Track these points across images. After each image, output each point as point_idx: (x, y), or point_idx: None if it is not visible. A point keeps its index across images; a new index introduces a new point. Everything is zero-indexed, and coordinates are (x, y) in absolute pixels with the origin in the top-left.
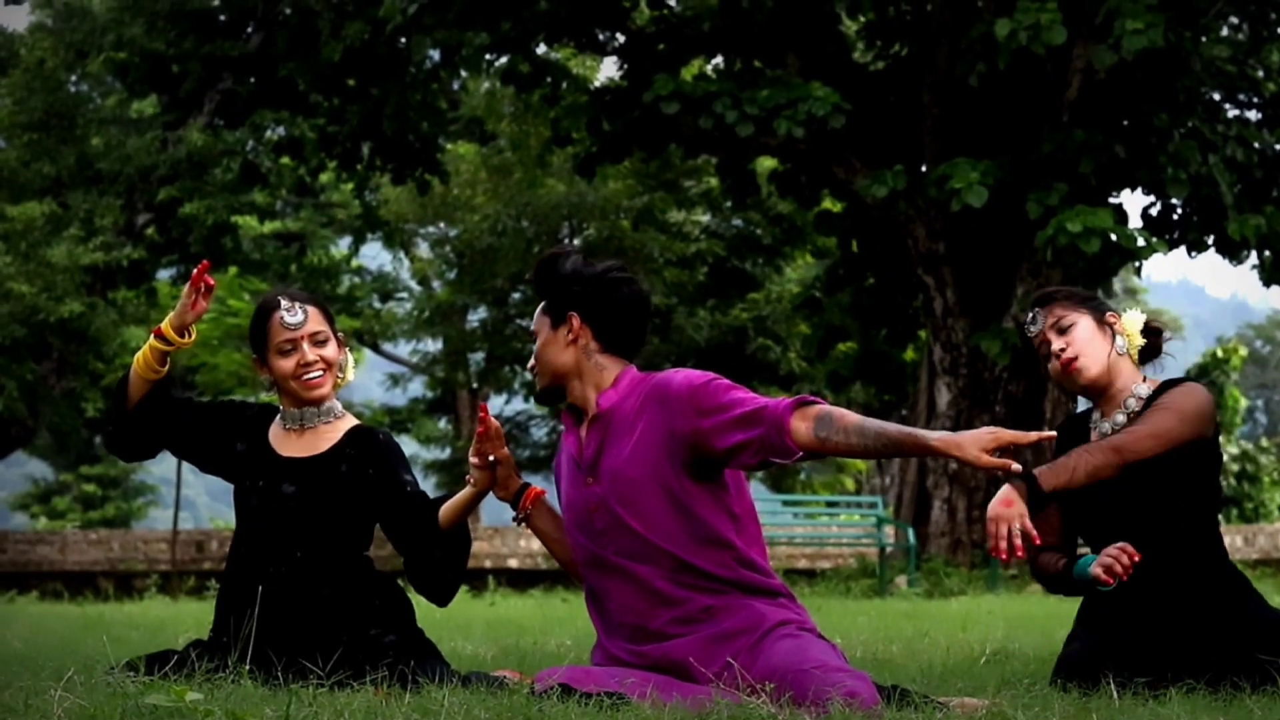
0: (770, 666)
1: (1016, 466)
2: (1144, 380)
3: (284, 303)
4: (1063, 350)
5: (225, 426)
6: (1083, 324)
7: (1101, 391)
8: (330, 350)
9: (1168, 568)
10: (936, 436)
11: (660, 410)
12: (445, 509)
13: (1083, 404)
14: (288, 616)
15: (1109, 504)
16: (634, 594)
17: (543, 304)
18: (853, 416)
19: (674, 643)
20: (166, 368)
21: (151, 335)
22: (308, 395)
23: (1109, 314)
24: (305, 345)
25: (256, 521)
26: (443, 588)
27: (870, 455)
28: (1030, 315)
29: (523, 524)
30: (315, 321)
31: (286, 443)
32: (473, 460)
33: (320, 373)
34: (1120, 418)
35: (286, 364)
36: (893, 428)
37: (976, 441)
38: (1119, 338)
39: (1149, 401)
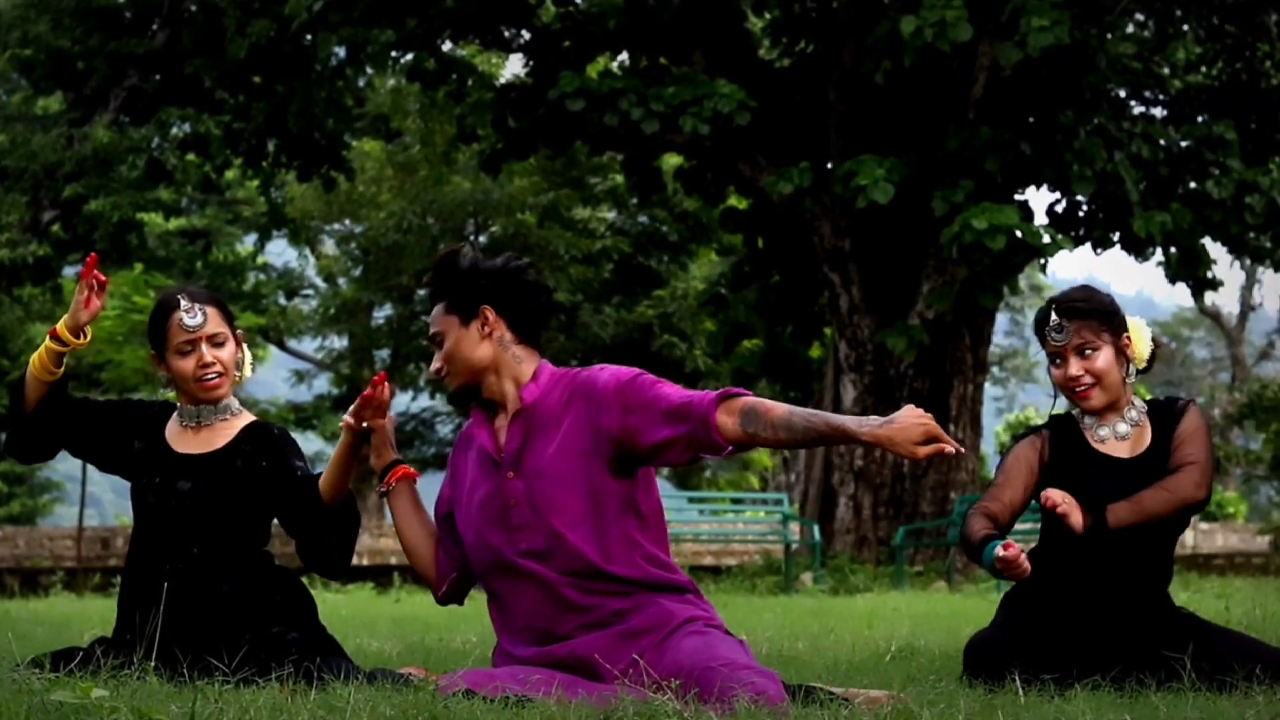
0: (677, 663)
1: (951, 449)
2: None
3: (184, 303)
4: (1079, 376)
5: (123, 425)
6: (1104, 354)
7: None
8: (227, 352)
9: (1126, 579)
10: (866, 430)
11: (587, 406)
12: (324, 475)
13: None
14: (190, 614)
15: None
16: (541, 599)
17: (444, 304)
18: (779, 409)
19: (580, 640)
20: (63, 369)
21: (47, 336)
22: (205, 396)
23: (1125, 336)
24: (204, 347)
25: (154, 519)
26: (332, 562)
27: (797, 447)
28: (1057, 323)
29: (384, 498)
30: (214, 323)
31: (183, 440)
32: (346, 420)
33: (217, 375)
34: (1123, 427)
35: (185, 365)
36: (819, 419)
37: (908, 435)
38: (1130, 364)
39: (1158, 423)
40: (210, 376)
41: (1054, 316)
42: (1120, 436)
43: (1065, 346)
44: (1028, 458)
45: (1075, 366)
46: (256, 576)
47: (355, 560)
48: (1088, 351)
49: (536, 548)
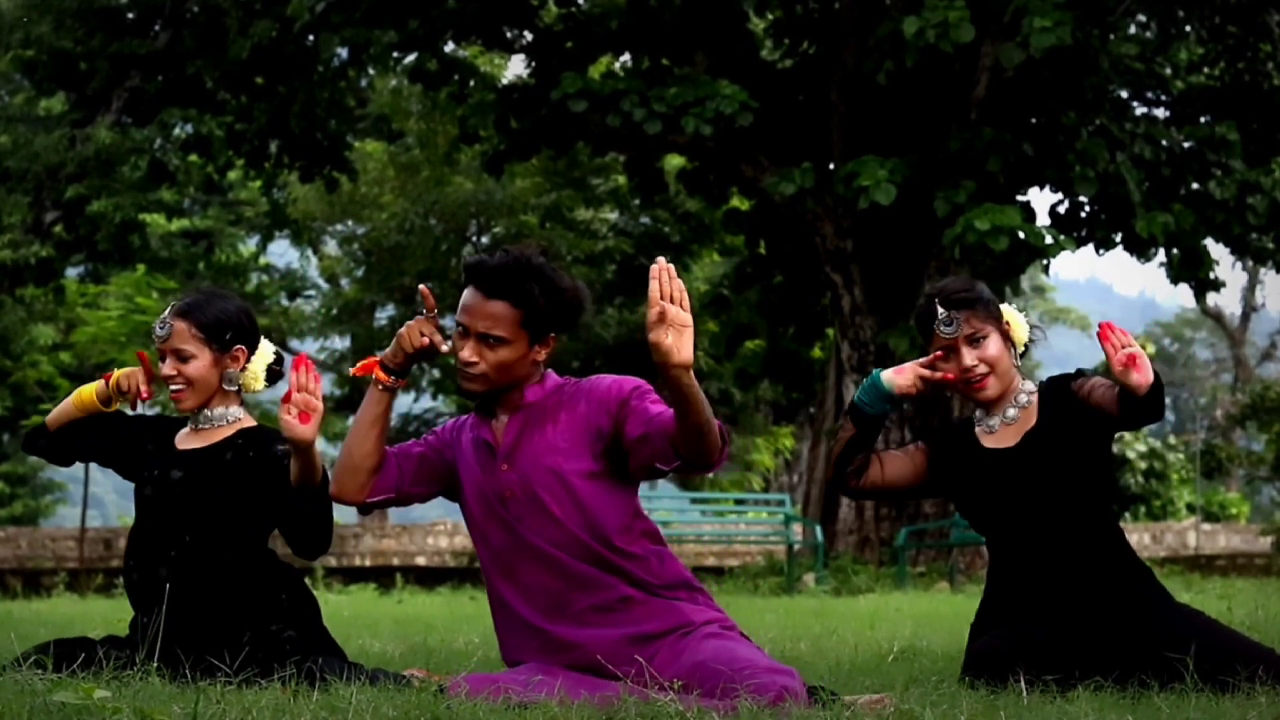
0: (697, 664)
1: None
2: (1024, 380)
3: (163, 314)
4: (974, 367)
5: (144, 431)
6: (994, 340)
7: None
8: (193, 367)
9: (1072, 562)
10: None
11: (586, 405)
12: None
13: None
14: (188, 607)
15: (1010, 495)
16: (551, 576)
17: (518, 314)
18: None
19: (591, 636)
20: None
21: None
22: (176, 406)
23: (1005, 321)
24: (169, 359)
25: (149, 508)
26: (312, 541)
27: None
28: (946, 315)
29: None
30: (178, 339)
31: (186, 440)
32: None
33: (180, 387)
34: (1011, 411)
35: (165, 370)
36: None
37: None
38: (1014, 347)
39: (1048, 402)
40: (175, 387)
41: (941, 309)
42: (1008, 420)
43: (957, 338)
44: (915, 456)
45: (969, 356)
46: (255, 572)
47: (358, 561)
48: (979, 339)
49: (541, 535)
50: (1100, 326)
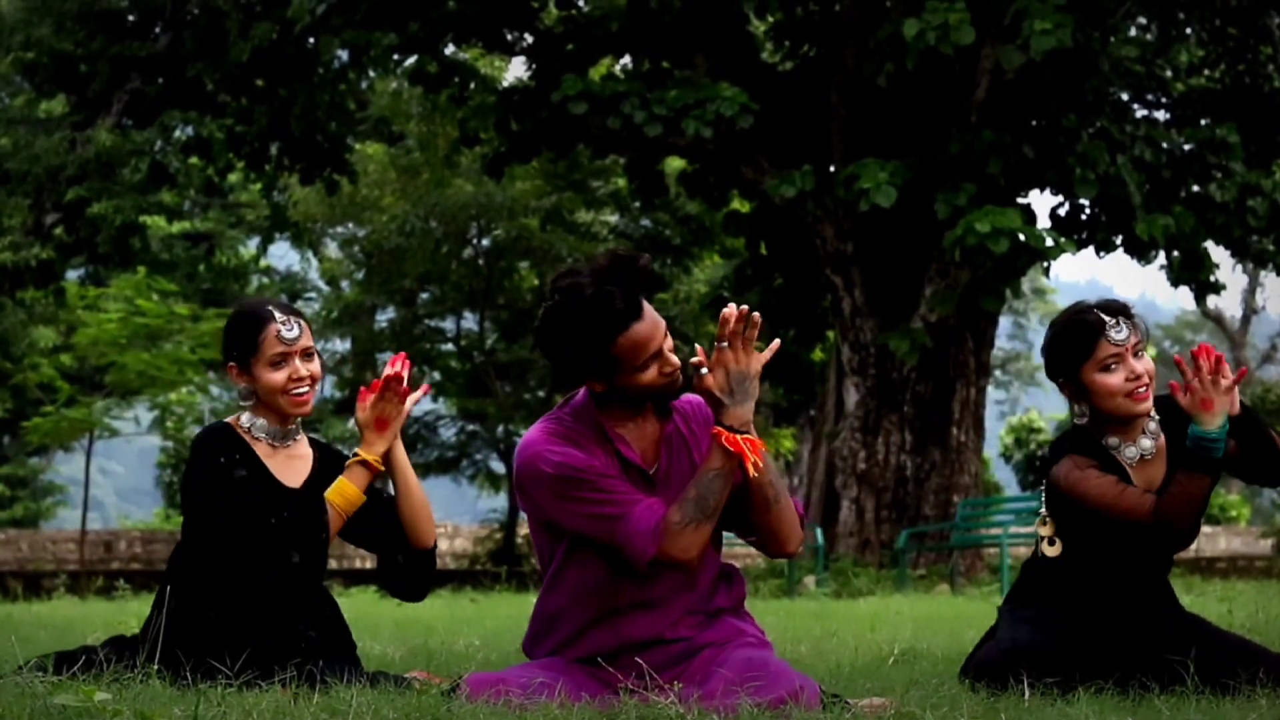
0: (730, 667)
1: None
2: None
3: (279, 315)
4: (1141, 375)
5: (227, 464)
6: (1147, 356)
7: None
8: (316, 365)
9: (1151, 584)
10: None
11: (702, 429)
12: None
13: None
14: (265, 619)
15: (1149, 542)
16: (686, 593)
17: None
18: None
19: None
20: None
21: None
22: (292, 410)
23: None
24: (297, 360)
25: (276, 549)
26: (401, 588)
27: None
28: (1116, 323)
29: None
30: (307, 337)
31: (279, 466)
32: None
33: (307, 388)
34: (1146, 442)
35: (277, 377)
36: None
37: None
38: None
39: (1169, 428)
40: (302, 390)
41: (1109, 318)
42: (1145, 453)
43: (1126, 346)
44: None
45: (1138, 365)
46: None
47: (359, 563)
48: (1140, 351)
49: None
50: (1200, 347)
